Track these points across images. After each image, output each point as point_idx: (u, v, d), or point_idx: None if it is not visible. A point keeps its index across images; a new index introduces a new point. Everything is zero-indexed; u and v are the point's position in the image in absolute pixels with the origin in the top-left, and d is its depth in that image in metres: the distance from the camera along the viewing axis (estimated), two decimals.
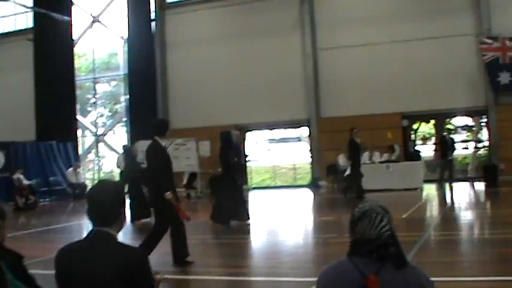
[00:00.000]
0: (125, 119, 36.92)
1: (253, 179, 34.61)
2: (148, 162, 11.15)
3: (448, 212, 18.69)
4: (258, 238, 15.70)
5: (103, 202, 3.98)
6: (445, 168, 24.66)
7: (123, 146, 28.72)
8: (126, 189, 19.05)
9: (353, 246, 3.67)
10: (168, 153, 11.17)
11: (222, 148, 17.36)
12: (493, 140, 28.87)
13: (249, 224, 16.74)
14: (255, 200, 26.38)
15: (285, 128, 34.50)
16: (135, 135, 32.40)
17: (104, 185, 4.28)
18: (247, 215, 16.99)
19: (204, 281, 10.45)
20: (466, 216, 17.98)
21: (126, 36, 35.30)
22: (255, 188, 32.50)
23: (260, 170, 37.24)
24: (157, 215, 11.38)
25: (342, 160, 27.73)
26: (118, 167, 28.01)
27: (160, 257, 10.46)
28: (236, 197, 17.00)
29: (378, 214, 3.67)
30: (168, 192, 10.67)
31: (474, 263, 10.50)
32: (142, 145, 28.27)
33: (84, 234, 4.04)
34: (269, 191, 31.98)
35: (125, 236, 14.29)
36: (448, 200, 21.70)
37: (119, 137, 38.80)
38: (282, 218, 19.82)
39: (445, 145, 24.74)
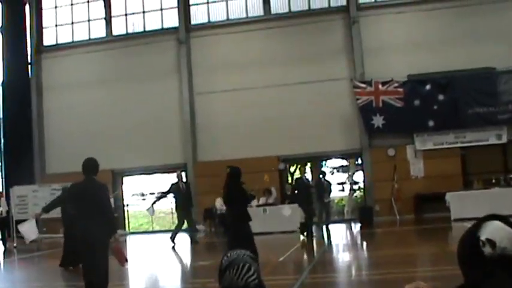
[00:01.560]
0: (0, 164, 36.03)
1: (131, 223, 34.30)
2: (104, 202, 10.62)
3: (325, 254, 18.96)
4: (135, 284, 15.56)
5: None
6: (322, 211, 25.11)
7: None
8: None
9: None
10: None
11: (229, 184, 16.47)
12: (368, 181, 29.59)
13: None
14: (134, 245, 26.16)
15: (162, 173, 34.33)
16: (10, 180, 31.70)
17: None
18: None
19: None
20: (343, 257, 18.29)
21: (2, 79, 34.52)
22: (132, 233, 32.24)
23: (138, 215, 36.92)
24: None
25: (219, 203, 27.83)
26: None
27: None
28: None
29: (245, 263, 3.72)
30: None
31: None
32: (18, 190, 27.92)
33: None
34: (147, 235, 31.75)
35: None
36: (325, 241, 22.04)
37: None
38: (160, 262, 19.70)
39: (321, 187, 25.15)
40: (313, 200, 23.79)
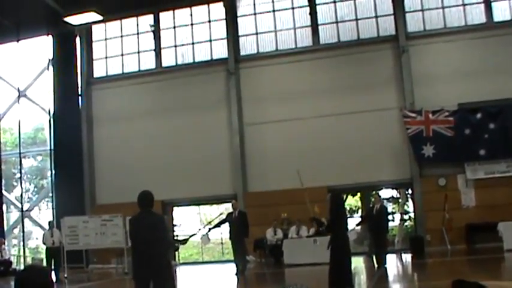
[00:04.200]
0: (50, 194, 36.31)
1: (181, 254, 34.31)
2: (163, 232, 10.81)
3: (376, 285, 18.76)
4: None
5: (31, 286, 3.92)
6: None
7: (49, 222, 28.45)
8: None
9: None
10: None
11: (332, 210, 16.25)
12: (418, 211, 29.26)
13: None
14: (184, 276, 26.14)
15: (212, 204, 34.33)
16: (60, 210, 32.00)
17: (32, 269, 4.23)
18: None
19: None
20: None
21: (52, 110, 34.97)
22: (182, 264, 32.23)
23: (187, 245, 36.89)
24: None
25: (269, 234, 27.78)
26: (44, 243, 27.64)
27: None
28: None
29: None
30: None
31: None
32: (68, 221, 28.14)
33: None
34: (197, 266, 31.75)
35: None
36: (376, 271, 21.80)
37: (45, 212, 38.22)
38: None
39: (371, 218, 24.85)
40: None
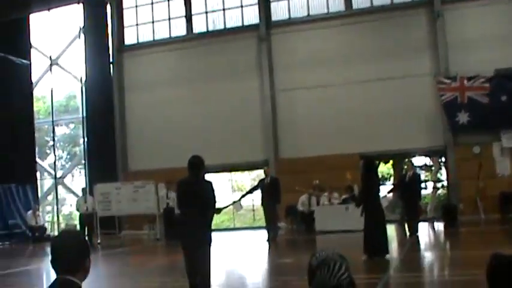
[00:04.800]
0: (83, 162, 36.56)
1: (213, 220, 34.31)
2: (212, 197, 10.60)
3: (408, 253, 18.63)
4: (216, 281, 15.50)
5: (67, 251, 3.92)
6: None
7: (83, 189, 28.65)
8: None
9: None
10: None
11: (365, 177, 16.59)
12: (452, 180, 28.99)
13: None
14: (215, 243, 26.20)
15: (243, 170, 34.29)
16: (93, 177, 32.22)
17: (68, 233, 4.24)
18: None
19: None
20: (426, 257, 17.95)
21: (84, 78, 35.09)
22: (213, 230, 32.28)
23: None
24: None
25: (300, 203, 27.65)
26: (77, 209, 27.85)
27: None
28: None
29: (336, 262, 3.59)
30: None
31: None
32: (101, 188, 28.33)
33: (45, 278, 3.96)
34: (228, 232, 31.82)
35: None
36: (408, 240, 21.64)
37: (78, 179, 38.55)
38: (242, 260, 19.66)
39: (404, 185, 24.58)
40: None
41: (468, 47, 28.33)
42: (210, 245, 10.46)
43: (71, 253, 3.94)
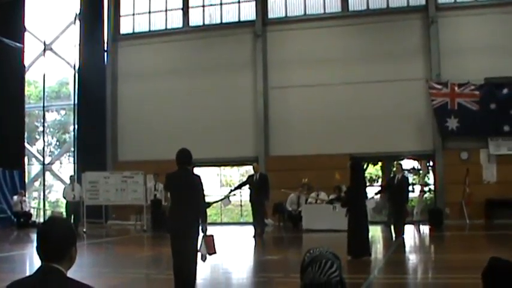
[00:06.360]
0: (72, 149, 36.49)
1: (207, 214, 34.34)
2: (200, 192, 10.78)
3: (393, 254, 18.76)
4: (201, 275, 15.58)
5: (54, 238, 3.91)
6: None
7: (70, 177, 28.60)
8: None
9: None
10: None
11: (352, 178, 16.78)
12: (439, 184, 29.16)
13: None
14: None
15: (233, 166, 34.32)
16: (82, 165, 32.18)
17: (55, 220, 4.24)
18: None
19: None
20: (411, 259, 18.09)
21: (77, 65, 35.05)
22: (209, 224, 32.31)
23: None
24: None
25: (289, 202, 27.71)
26: (64, 197, 27.84)
27: None
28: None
29: (328, 260, 3.70)
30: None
31: None
32: (89, 176, 28.31)
33: (28, 265, 4.03)
34: (215, 227, 31.83)
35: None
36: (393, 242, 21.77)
37: (66, 166, 38.45)
38: (228, 255, 19.73)
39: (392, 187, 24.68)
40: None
41: (460, 55, 28.57)
42: (197, 237, 10.51)
43: (58, 240, 3.94)
